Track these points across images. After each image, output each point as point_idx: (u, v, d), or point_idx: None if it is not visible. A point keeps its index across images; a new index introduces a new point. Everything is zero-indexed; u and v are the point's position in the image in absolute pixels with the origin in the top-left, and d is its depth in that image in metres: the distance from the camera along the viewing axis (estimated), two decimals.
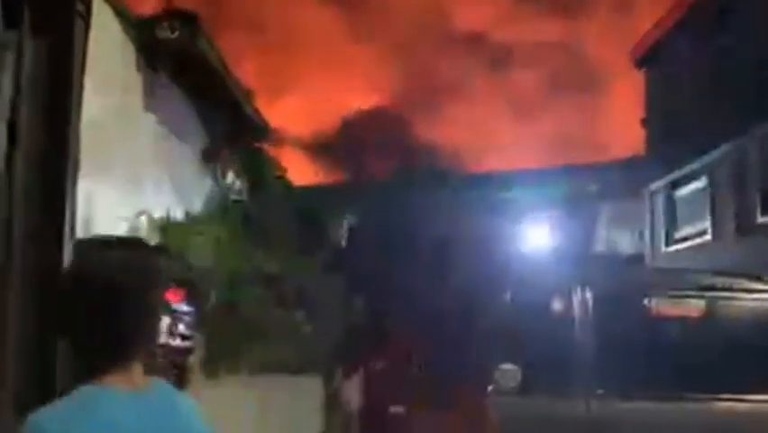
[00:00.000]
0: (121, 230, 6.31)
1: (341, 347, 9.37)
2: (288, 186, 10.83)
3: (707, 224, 14.43)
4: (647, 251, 16.50)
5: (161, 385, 2.44)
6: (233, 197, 9.56)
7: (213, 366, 6.46)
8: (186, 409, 2.43)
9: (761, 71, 13.07)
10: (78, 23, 5.18)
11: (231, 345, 6.57)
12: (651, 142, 17.40)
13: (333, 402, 10.73)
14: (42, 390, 4.82)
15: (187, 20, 6.67)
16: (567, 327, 6.26)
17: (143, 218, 6.52)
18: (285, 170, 10.96)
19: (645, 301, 6.36)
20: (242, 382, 6.57)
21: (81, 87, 5.19)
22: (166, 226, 6.87)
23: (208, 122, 8.89)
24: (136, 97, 6.82)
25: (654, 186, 16.31)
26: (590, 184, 16.64)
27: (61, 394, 2.33)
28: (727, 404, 6.22)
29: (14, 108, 4.90)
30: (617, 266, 14.82)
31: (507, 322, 6.26)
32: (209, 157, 9.09)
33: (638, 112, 18.23)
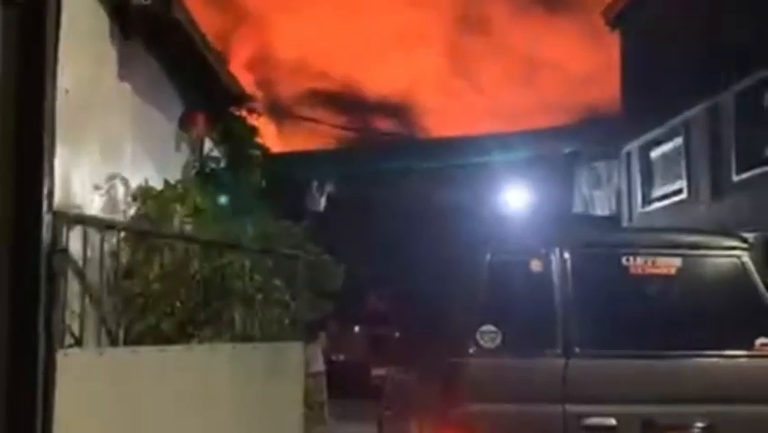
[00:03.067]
0: (98, 200, 6.31)
1: (322, 313, 9.42)
2: (265, 153, 10.80)
3: (683, 183, 14.54)
4: (624, 211, 16.62)
5: None
6: (211, 164, 9.54)
7: (195, 333, 6.49)
8: None
9: (735, 30, 13.12)
10: None
11: (212, 312, 6.60)
12: (626, 102, 17.46)
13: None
14: (20, 354, 4.85)
15: None
16: (546, 287, 6.29)
17: (120, 187, 6.50)
18: (262, 137, 10.93)
19: (623, 260, 6.42)
20: (224, 350, 6.60)
21: (55, 57, 5.15)
22: (144, 195, 6.86)
23: (184, 90, 8.84)
24: (110, 67, 6.77)
25: (630, 146, 16.39)
26: (567, 145, 16.71)
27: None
28: (706, 360, 6.31)
29: None
30: (594, 226, 14.92)
31: (486, 284, 6.30)
32: (186, 125, 9.06)
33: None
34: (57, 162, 5.17)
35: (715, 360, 6.29)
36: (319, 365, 16.72)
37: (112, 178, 6.45)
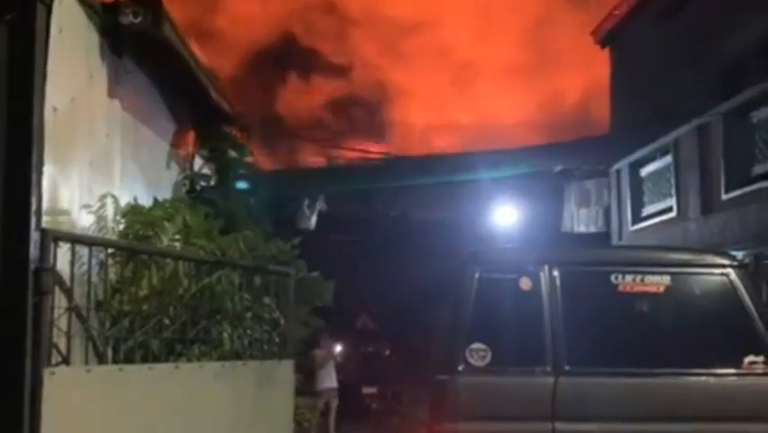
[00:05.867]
0: (87, 218, 6.29)
1: (311, 333, 9.38)
2: (256, 171, 10.81)
3: (672, 201, 14.59)
4: (613, 229, 16.65)
5: None
6: (202, 182, 9.53)
7: (183, 351, 6.47)
8: None
9: (724, 48, 13.20)
10: (40, 9, 5.14)
11: (201, 331, 6.58)
12: (616, 120, 17.53)
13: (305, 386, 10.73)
14: (7, 372, 4.83)
15: (151, 5, 6.63)
16: (535, 305, 6.33)
17: (110, 204, 6.49)
18: (252, 155, 10.93)
19: (612, 278, 6.45)
20: (212, 368, 6.57)
21: (44, 74, 5.15)
22: (133, 212, 6.85)
23: (175, 108, 8.85)
24: (101, 84, 6.77)
25: (620, 164, 16.44)
26: (556, 163, 16.74)
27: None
28: (695, 378, 6.33)
29: None
30: (583, 244, 14.94)
31: (475, 302, 6.31)
32: (176, 143, 9.06)
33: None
34: (45, 180, 5.16)
35: (704, 378, 6.32)
36: (325, 382, 16.50)
37: (101, 196, 6.44)
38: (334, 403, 16.39)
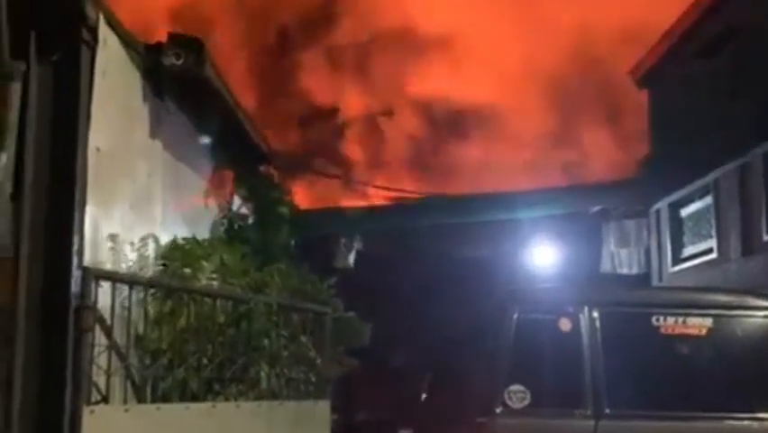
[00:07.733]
0: (127, 256, 6.34)
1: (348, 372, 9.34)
2: (294, 210, 10.85)
3: (712, 242, 14.43)
4: (653, 270, 16.48)
5: None
6: (239, 222, 9.59)
7: (219, 390, 6.47)
8: None
9: (763, 87, 13.10)
10: (85, 51, 5.24)
11: (238, 369, 6.58)
12: (655, 160, 17.40)
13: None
14: (47, 410, 4.86)
15: (193, 46, 6.72)
16: (575, 347, 6.26)
17: (150, 243, 6.54)
18: (291, 194, 10.98)
19: (653, 320, 6.37)
20: (249, 408, 6.56)
21: (88, 115, 5.24)
22: (173, 251, 6.89)
23: (214, 147, 8.93)
24: (143, 124, 6.86)
25: (659, 205, 16.31)
26: (596, 204, 16.63)
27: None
28: (737, 423, 6.21)
29: (22, 137, 4.95)
30: (623, 286, 14.79)
31: (514, 343, 6.26)
32: (216, 182, 9.14)
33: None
34: (87, 219, 5.23)
35: (747, 422, 6.20)
36: None
37: (143, 237, 6.50)
38: None
